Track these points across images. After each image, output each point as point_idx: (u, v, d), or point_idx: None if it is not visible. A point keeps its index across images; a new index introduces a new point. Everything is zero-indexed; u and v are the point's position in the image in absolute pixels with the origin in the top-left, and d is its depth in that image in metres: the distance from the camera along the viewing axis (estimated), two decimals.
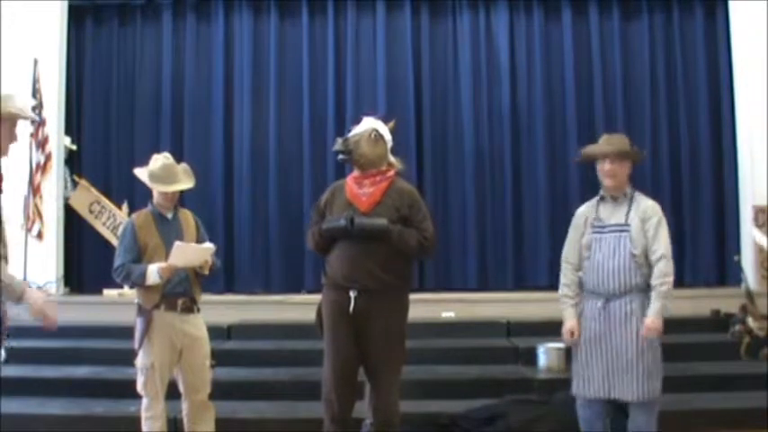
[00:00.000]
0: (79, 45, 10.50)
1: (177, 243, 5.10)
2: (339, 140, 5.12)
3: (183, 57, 10.47)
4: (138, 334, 5.22)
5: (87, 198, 9.46)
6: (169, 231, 5.31)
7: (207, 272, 5.39)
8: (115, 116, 10.40)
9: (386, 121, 5.29)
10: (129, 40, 10.57)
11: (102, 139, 10.39)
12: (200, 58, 10.50)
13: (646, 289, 5.02)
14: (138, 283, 5.19)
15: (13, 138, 3.98)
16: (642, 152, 5.67)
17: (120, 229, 5.47)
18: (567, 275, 5.28)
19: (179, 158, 5.89)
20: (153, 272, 5.09)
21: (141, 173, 5.45)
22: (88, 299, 9.37)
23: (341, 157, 5.14)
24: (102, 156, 10.36)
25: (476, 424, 6.38)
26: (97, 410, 6.66)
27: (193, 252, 5.25)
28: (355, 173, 5.17)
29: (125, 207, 9.41)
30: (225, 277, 9.79)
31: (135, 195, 9.58)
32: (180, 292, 5.23)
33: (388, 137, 5.19)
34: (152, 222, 5.31)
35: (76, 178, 9.76)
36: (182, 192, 5.48)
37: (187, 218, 5.51)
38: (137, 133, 10.34)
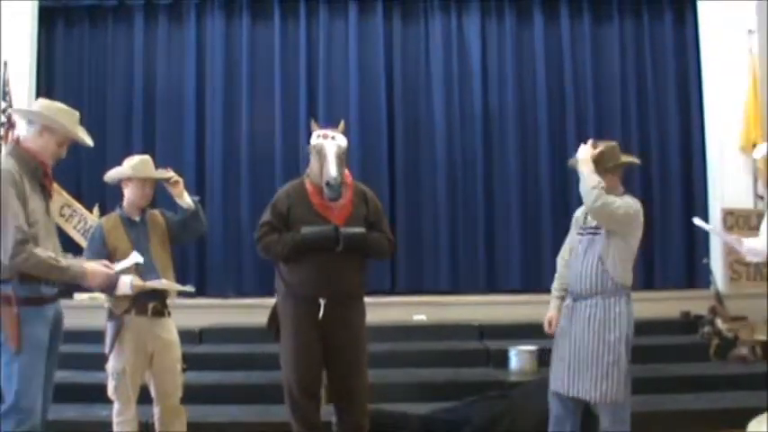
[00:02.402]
0: (50, 47, 10.42)
1: (160, 281, 5.13)
2: (336, 186, 4.87)
3: (155, 59, 10.42)
4: (108, 339, 5.18)
5: (58, 201, 9.31)
6: (138, 235, 5.29)
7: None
8: (86, 119, 10.09)
9: (322, 125, 5.30)
10: (101, 42, 10.50)
11: (72, 142, 10.27)
12: (172, 60, 10.46)
13: (615, 293, 4.98)
14: (108, 291, 5.12)
15: (59, 146, 4.53)
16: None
17: (90, 232, 5.46)
18: (558, 270, 5.34)
19: None
20: (126, 284, 5.01)
21: (116, 172, 5.42)
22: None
23: (334, 197, 4.97)
24: (72, 159, 10.21)
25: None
26: (68, 415, 6.61)
27: (169, 286, 5.28)
28: (316, 183, 5.08)
29: (96, 210, 9.30)
30: (197, 280, 9.72)
31: (106, 199, 9.50)
32: (151, 297, 5.20)
33: (345, 143, 5.16)
34: (121, 226, 5.28)
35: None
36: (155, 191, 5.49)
37: (155, 219, 5.47)
38: (108, 136, 10.24)
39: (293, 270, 5.07)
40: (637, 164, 5.44)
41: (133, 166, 5.36)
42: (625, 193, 5.09)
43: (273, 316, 5.26)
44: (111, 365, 5.18)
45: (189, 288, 5.43)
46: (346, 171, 5.18)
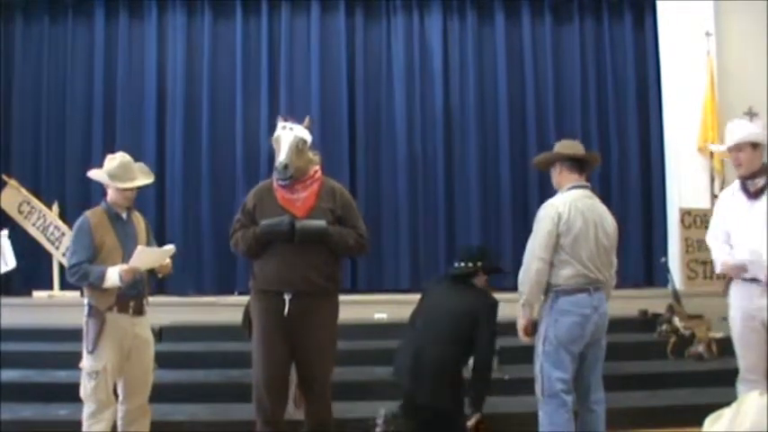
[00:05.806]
0: (8, 41, 10.26)
1: (140, 247, 5.05)
2: (280, 169, 5.00)
3: (116, 55, 10.30)
4: (91, 336, 5.04)
5: (16, 198, 9.25)
6: (125, 232, 5.23)
7: (163, 273, 5.40)
8: (45, 114, 10.20)
9: (287, 118, 5.34)
10: (61, 37, 10.36)
11: (31, 138, 10.17)
12: (133, 56, 10.35)
13: (548, 294, 5.18)
14: (96, 284, 5.02)
15: None
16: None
17: (75, 225, 5.29)
18: None
19: None
20: (114, 275, 4.96)
21: (97, 173, 5.33)
22: (17, 300, 9.10)
23: (284, 182, 5.08)
24: (31, 155, 10.15)
25: None
26: (25, 414, 6.52)
27: (155, 255, 5.21)
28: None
29: (55, 207, 9.24)
30: (156, 278, 9.63)
31: (66, 195, 9.44)
32: (133, 294, 5.15)
33: (309, 137, 5.22)
34: (107, 221, 5.19)
35: (5, 178, 9.54)
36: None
37: (138, 220, 5.43)
38: (68, 132, 10.15)
39: (260, 265, 5.11)
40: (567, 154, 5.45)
41: (112, 175, 5.21)
42: (573, 188, 5.26)
43: (247, 314, 5.25)
44: (88, 365, 5.05)
45: (171, 247, 5.32)
46: (316, 166, 5.26)
